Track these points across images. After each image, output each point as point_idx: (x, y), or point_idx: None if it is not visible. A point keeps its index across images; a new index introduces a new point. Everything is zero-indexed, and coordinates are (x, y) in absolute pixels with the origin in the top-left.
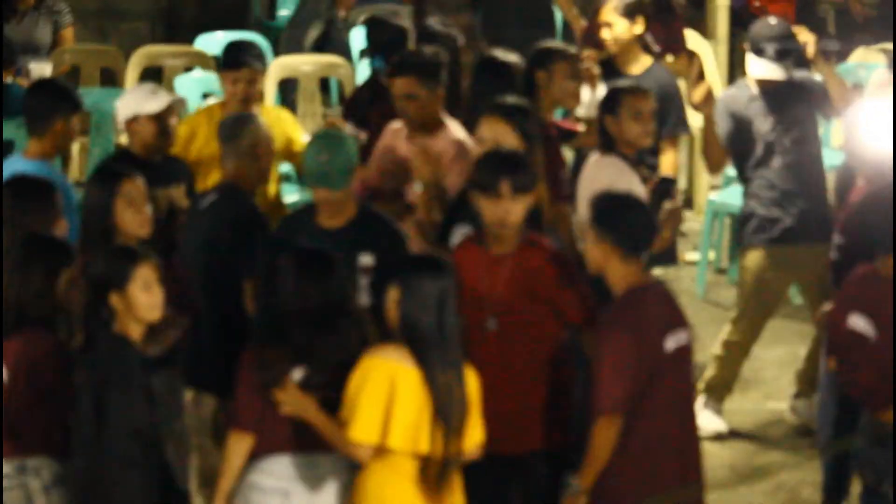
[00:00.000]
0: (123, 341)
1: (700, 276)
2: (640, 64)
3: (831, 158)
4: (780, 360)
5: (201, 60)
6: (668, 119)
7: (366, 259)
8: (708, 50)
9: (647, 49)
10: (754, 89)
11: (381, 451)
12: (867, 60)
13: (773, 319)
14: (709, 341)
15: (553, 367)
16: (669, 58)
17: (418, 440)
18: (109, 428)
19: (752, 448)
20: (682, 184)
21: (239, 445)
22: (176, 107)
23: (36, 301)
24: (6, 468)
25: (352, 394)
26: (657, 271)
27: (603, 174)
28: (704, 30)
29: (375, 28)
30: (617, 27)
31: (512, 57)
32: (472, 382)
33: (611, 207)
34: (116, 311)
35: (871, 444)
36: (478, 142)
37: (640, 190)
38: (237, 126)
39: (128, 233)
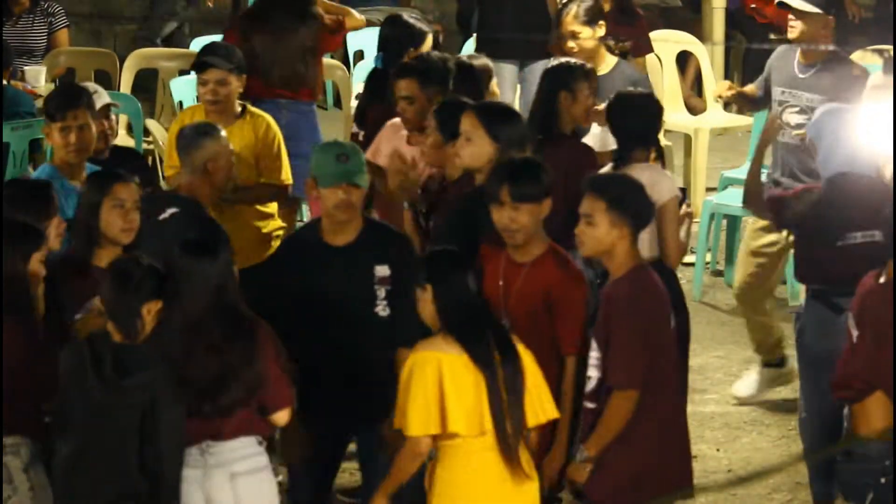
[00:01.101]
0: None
1: (696, 278)
2: (607, 64)
3: None
4: None
5: None
6: None
7: (382, 270)
8: (704, 52)
9: (609, 49)
10: (796, 56)
11: (448, 438)
12: (864, 62)
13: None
14: (705, 342)
15: (549, 379)
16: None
17: (483, 421)
18: (161, 441)
19: (748, 451)
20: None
21: None
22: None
23: (9, 286)
24: None
25: (402, 392)
26: None
27: (645, 177)
28: (701, 32)
29: (386, 26)
30: (582, 35)
31: (482, 60)
32: (527, 359)
33: (625, 191)
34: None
35: (844, 457)
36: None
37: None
38: (191, 140)
39: (110, 236)
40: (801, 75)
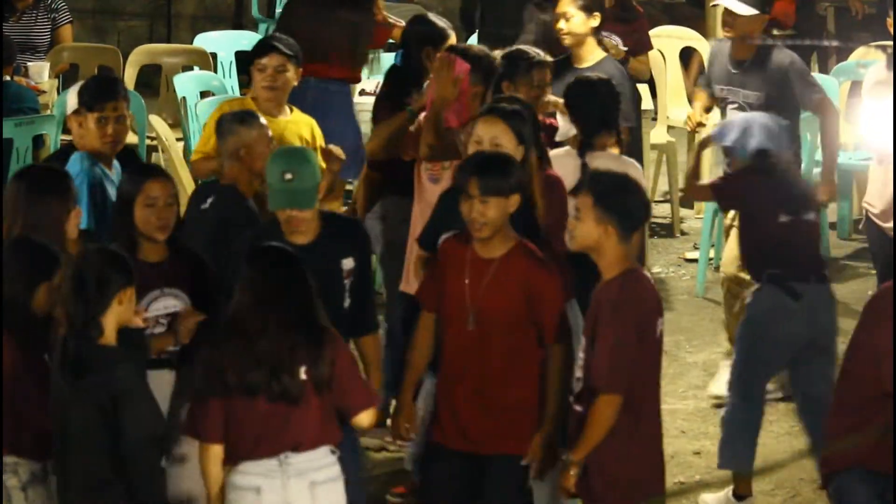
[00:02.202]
0: (125, 354)
1: (700, 274)
2: (593, 57)
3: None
4: None
5: (200, 59)
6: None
7: (347, 263)
8: (707, 48)
9: (601, 44)
10: (729, 52)
11: None
12: (867, 58)
13: None
14: (708, 339)
15: (528, 372)
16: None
17: None
18: (127, 442)
19: None
20: (680, 182)
21: (209, 455)
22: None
23: (12, 307)
24: None
25: None
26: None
27: (609, 166)
28: (704, 28)
29: (409, 24)
30: (574, 20)
31: (480, 49)
32: None
33: (613, 189)
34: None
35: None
36: (475, 142)
37: None
38: (226, 125)
39: (146, 234)
40: (734, 71)
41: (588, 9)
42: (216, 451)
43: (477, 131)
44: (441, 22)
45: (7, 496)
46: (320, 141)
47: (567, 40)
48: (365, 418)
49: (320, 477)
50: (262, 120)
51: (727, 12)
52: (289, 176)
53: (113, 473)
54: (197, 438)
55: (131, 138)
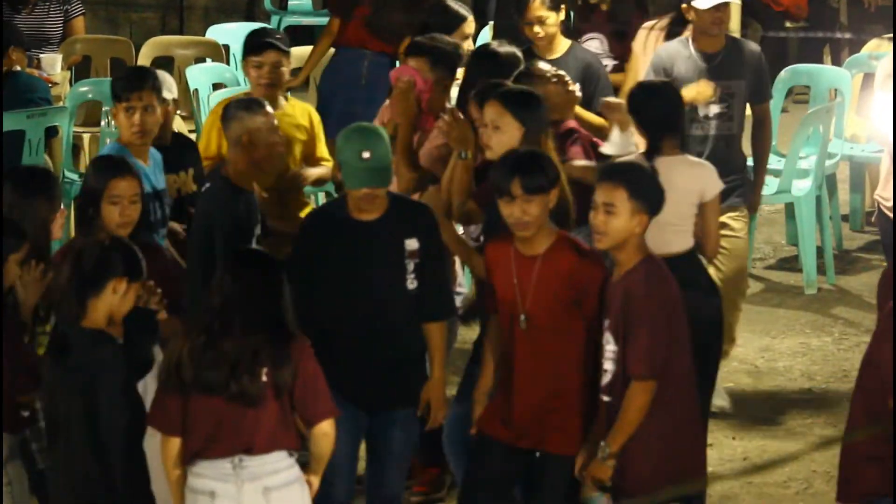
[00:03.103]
0: (107, 337)
1: None
2: (561, 48)
3: (843, 149)
4: (793, 350)
5: (212, 51)
6: (594, 97)
7: (411, 243)
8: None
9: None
10: (693, 49)
11: None
12: (880, 50)
13: (785, 310)
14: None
15: (583, 370)
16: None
17: None
18: (101, 426)
19: (764, 439)
20: None
21: (168, 447)
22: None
23: None
24: None
25: None
26: None
27: (691, 172)
28: None
29: (428, 16)
30: (549, 21)
31: (510, 48)
32: None
33: (644, 178)
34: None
35: None
36: (481, 125)
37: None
38: (231, 111)
39: (107, 228)
40: (707, 65)
41: (557, 6)
42: (175, 443)
43: (483, 116)
44: (456, 6)
45: None
46: (318, 126)
47: (543, 42)
48: (326, 426)
49: (276, 482)
50: (269, 109)
51: (721, 14)
52: (366, 154)
53: (94, 461)
54: (158, 430)
55: None
